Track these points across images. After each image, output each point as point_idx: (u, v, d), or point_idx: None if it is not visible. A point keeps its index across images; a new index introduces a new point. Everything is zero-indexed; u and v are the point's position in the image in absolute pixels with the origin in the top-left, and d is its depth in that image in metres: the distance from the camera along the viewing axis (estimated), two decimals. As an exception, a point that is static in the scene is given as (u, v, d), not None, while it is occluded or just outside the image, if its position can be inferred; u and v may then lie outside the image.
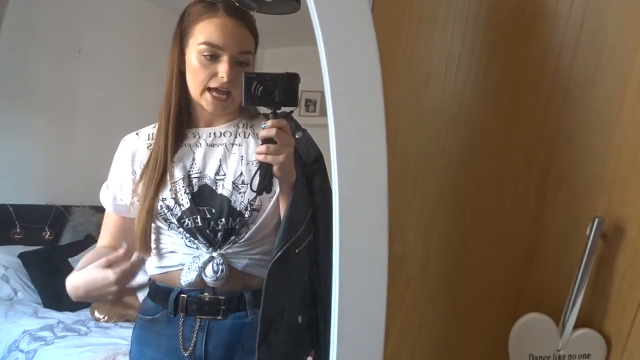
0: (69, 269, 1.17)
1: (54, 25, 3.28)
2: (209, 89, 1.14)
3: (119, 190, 1.24)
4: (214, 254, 1.14)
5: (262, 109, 1.20)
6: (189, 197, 1.15)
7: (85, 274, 1.09)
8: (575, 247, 1.17)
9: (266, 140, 1.04)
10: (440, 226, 1.36)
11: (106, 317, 2.82)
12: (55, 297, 2.86)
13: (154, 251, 1.21)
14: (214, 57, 1.12)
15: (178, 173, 1.18)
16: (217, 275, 1.13)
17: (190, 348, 1.16)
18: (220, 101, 1.15)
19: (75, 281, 1.11)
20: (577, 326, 1.16)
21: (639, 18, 1.06)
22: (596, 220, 1.10)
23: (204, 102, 1.16)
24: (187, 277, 1.14)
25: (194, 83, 1.16)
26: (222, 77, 1.12)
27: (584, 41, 1.12)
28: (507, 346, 1.23)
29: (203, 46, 1.12)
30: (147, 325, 1.22)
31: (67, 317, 2.80)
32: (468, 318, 1.35)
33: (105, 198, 1.27)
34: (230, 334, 1.16)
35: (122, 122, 1.28)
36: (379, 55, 1.00)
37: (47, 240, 3.26)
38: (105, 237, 1.29)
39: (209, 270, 1.13)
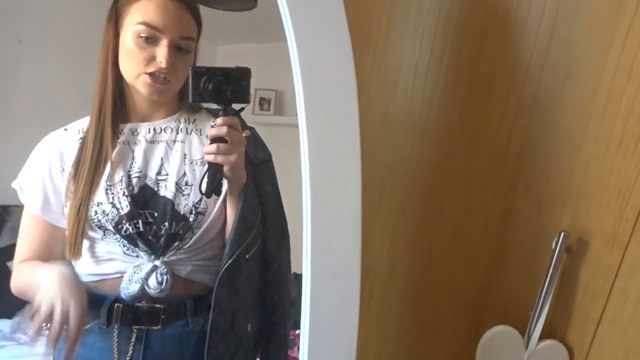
0: (7, 273, 1.07)
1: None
2: (145, 73, 1.04)
3: (51, 192, 1.11)
4: (157, 263, 1.06)
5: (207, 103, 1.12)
6: (129, 199, 1.05)
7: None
8: (540, 258, 1.18)
9: (216, 139, 0.96)
10: (405, 236, 1.35)
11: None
12: (-9, 304, 2.69)
13: (87, 258, 1.09)
14: (151, 40, 1.03)
15: (116, 173, 1.07)
16: (162, 286, 1.04)
17: None
18: (157, 84, 1.05)
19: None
20: (541, 337, 1.17)
21: (607, 33, 1.08)
22: (562, 234, 1.11)
23: (140, 84, 1.05)
24: (128, 290, 1.05)
25: (128, 66, 1.06)
26: (160, 62, 1.03)
27: (553, 54, 1.13)
28: (471, 357, 1.23)
29: (140, 27, 1.02)
30: None
31: (5, 324, 2.63)
32: (433, 328, 1.35)
33: (32, 199, 1.12)
34: (170, 344, 1.08)
35: (66, 116, 1.14)
36: (353, 60, 0.97)
37: (-17, 242, 3.07)
38: (26, 245, 1.14)
39: (152, 282, 1.05)
